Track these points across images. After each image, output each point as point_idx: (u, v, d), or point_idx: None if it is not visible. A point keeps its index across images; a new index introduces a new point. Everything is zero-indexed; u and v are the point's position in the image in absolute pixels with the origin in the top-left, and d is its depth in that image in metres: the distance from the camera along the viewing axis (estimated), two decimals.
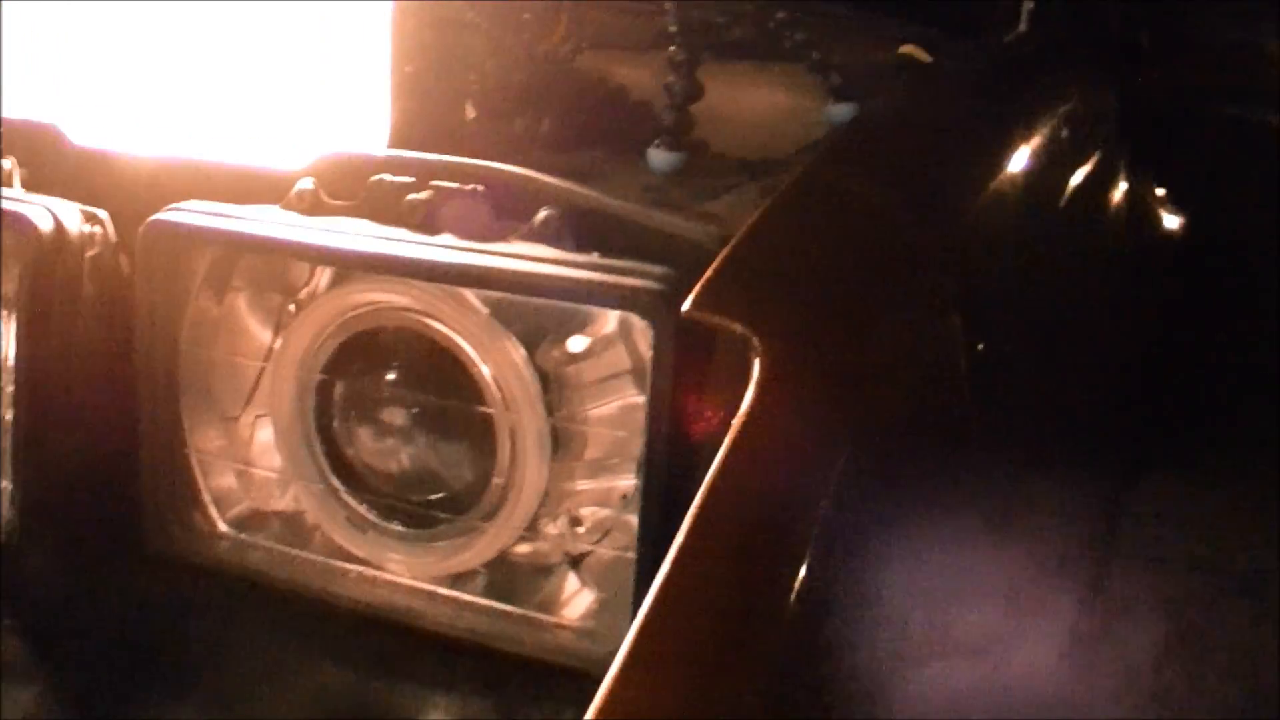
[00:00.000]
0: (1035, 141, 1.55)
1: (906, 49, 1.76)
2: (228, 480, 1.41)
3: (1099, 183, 1.67)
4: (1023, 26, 1.87)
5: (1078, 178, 1.61)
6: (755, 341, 1.06)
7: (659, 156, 1.52)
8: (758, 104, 1.72)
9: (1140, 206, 1.75)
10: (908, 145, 1.44)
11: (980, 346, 1.21)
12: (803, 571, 0.98)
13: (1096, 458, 1.55)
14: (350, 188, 1.32)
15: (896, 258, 1.24)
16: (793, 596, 0.98)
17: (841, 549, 1.02)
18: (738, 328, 1.08)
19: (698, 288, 1.09)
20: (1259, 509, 1.53)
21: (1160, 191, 1.82)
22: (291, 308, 1.37)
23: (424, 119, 1.53)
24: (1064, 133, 1.65)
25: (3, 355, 1.38)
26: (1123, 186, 1.71)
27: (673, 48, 1.54)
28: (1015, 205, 1.43)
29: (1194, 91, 1.94)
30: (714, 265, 1.11)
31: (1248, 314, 1.73)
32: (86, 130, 1.42)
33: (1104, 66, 1.94)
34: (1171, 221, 1.82)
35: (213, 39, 1.42)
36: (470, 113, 1.64)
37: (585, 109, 1.70)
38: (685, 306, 1.09)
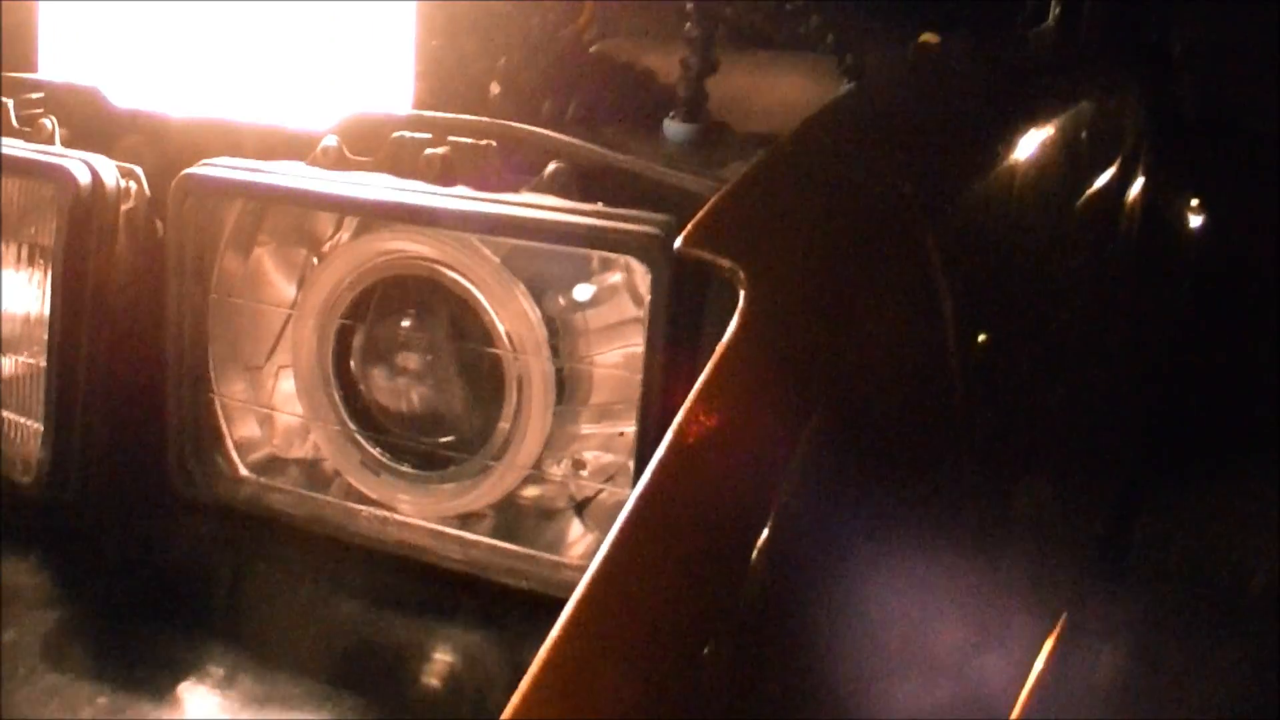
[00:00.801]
0: (1046, 138, 1.56)
1: (925, 37, 1.79)
2: (250, 427, 1.48)
3: (1115, 189, 1.68)
4: (1050, 22, 1.90)
5: (1093, 181, 1.63)
6: (742, 276, 1.11)
7: (674, 128, 1.58)
8: (774, 88, 1.77)
9: (1157, 217, 1.76)
10: (910, 116, 1.47)
11: (978, 337, 1.25)
12: (766, 530, 1.00)
13: (1094, 468, 1.57)
14: (372, 146, 1.38)
15: (889, 214, 1.27)
16: (754, 555, 0.99)
17: (809, 509, 1.04)
18: (726, 263, 1.12)
19: (690, 225, 1.14)
20: (1263, 525, 1.55)
21: (1179, 203, 1.84)
22: (315, 261, 1.43)
23: (448, 93, 1.60)
24: (1082, 134, 1.67)
25: (35, 305, 1.45)
26: (1140, 195, 1.72)
27: (688, 24, 1.60)
28: (1019, 197, 1.45)
29: (1221, 105, 1.96)
30: (707, 205, 1.16)
31: (1260, 330, 1.75)
32: (126, 92, 1.49)
33: (1132, 71, 1.95)
34: (1189, 233, 1.84)
35: (245, 5, 1.49)
36: (495, 90, 1.70)
37: (608, 92, 1.76)
38: (677, 243, 1.13)
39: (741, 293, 1.10)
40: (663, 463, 1.02)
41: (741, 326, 1.09)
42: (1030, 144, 1.50)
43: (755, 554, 0.98)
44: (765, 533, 0.99)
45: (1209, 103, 1.96)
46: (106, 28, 1.53)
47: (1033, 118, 1.55)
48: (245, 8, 1.49)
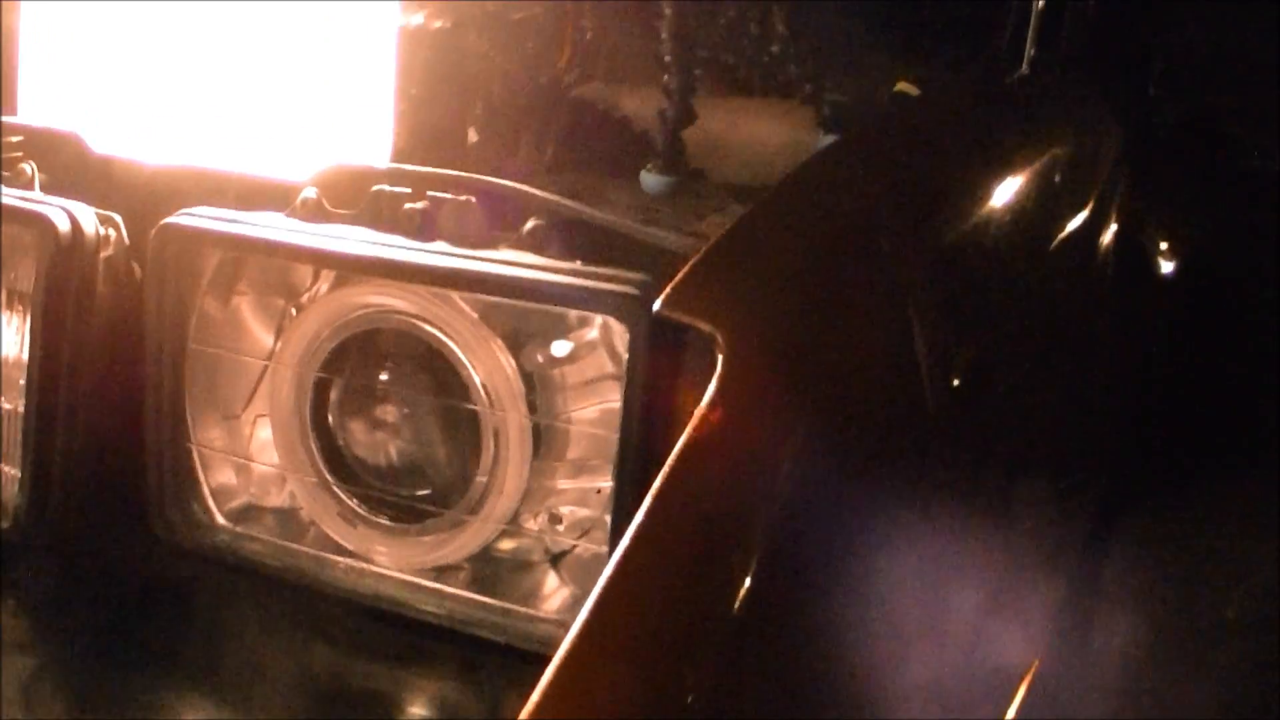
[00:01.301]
0: (1021, 185, 1.56)
1: (902, 86, 1.80)
2: (227, 475, 1.48)
3: (1088, 231, 1.69)
4: (1025, 69, 1.91)
5: (1067, 223, 1.63)
6: (719, 338, 1.12)
7: (651, 179, 1.59)
8: (752, 136, 1.78)
9: (1129, 257, 1.76)
10: (886, 172, 1.48)
11: (960, 369, 1.26)
12: (753, 567, 1.02)
13: (1074, 495, 1.58)
14: (352, 198, 1.39)
15: (870, 266, 1.28)
16: (743, 592, 1.01)
17: (793, 545, 1.06)
18: (704, 326, 1.14)
19: (669, 288, 1.15)
20: (1239, 552, 1.55)
21: (1156, 237, 1.84)
22: (293, 311, 1.44)
23: (426, 141, 1.61)
24: (1055, 178, 1.67)
25: (13, 350, 1.45)
26: (1113, 237, 1.72)
27: (666, 75, 1.61)
28: (997, 248, 1.46)
29: (1200, 133, 1.95)
30: (686, 268, 1.17)
31: (1244, 358, 1.76)
32: (106, 138, 1.50)
33: (1109, 104, 1.94)
34: (1166, 268, 1.84)
35: (226, 55, 1.49)
36: (473, 137, 1.71)
37: (586, 137, 1.77)
38: (656, 306, 1.14)
39: (719, 356, 1.11)
40: (644, 522, 1.03)
41: (719, 391, 1.10)
42: (1006, 192, 1.50)
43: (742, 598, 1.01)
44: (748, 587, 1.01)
45: (1190, 121, 1.95)
46: (87, 72, 1.54)
47: (1008, 165, 1.56)
48: (227, 56, 1.50)
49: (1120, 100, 1.96)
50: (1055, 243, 1.60)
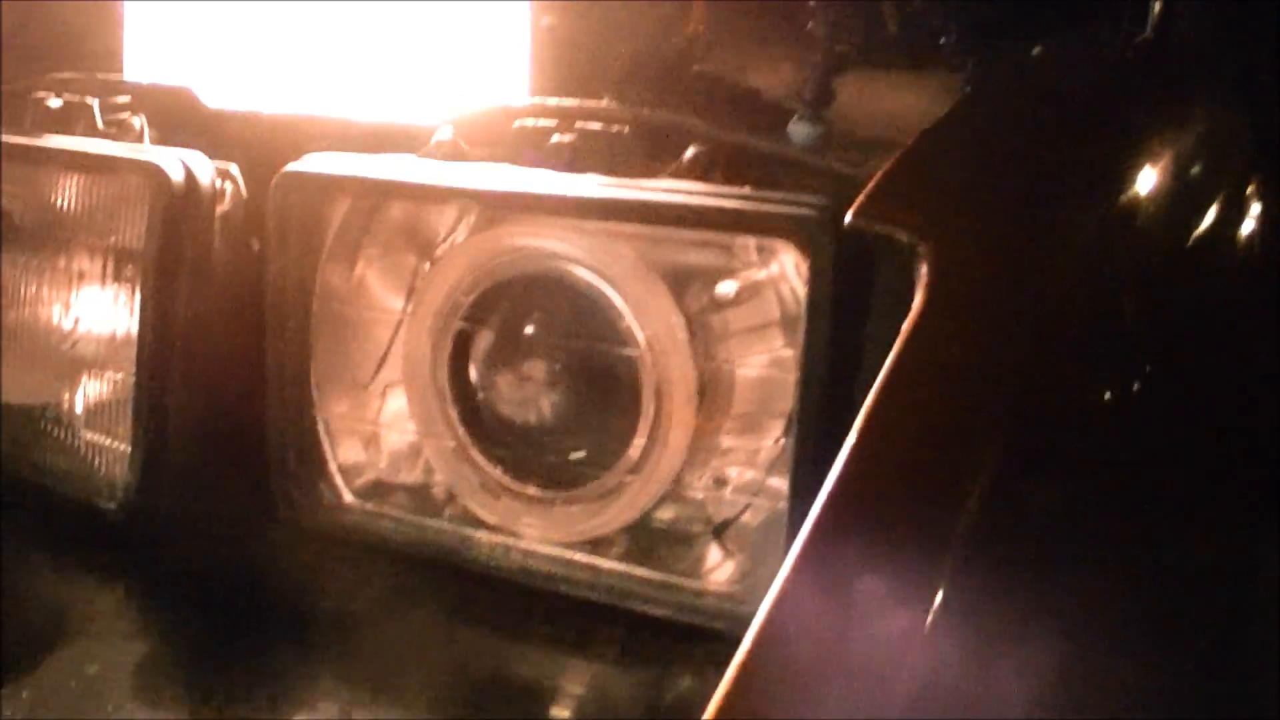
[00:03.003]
0: (1161, 166, 1.48)
1: (1038, 50, 1.71)
2: (355, 450, 1.37)
3: (1230, 217, 1.60)
4: (1149, 32, 1.82)
5: (1204, 219, 1.54)
6: (922, 247, 1.01)
7: (800, 129, 1.48)
8: (891, 102, 1.68)
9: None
10: (1055, 106, 1.38)
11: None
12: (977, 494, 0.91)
13: (1237, 509, 1.48)
14: (490, 138, 1.28)
15: (1061, 187, 1.18)
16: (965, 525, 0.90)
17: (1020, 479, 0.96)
18: (903, 235, 1.03)
19: (861, 196, 1.04)
20: None
21: None
22: (427, 267, 1.32)
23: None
24: (1194, 165, 1.58)
25: (120, 314, 1.35)
26: (1255, 226, 1.63)
27: (812, 22, 1.50)
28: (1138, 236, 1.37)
29: None
30: (877, 177, 1.06)
31: None
32: (220, 93, 1.39)
33: (1240, 87, 1.88)
34: None
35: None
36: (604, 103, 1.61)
37: (715, 107, 1.66)
38: (848, 217, 1.03)
39: (923, 266, 1.00)
40: (851, 459, 0.92)
41: (928, 301, 0.99)
42: (1145, 185, 1.43)
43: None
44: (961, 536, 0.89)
45: None
46: (196, 27, 1.44)
47: (1149, 154, 1.47)
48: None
49: (1245, 77, 1.88)
50: (1202, 225, 1.50)
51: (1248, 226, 1.54)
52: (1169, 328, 1.26)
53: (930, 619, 0.89)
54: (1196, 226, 1.44)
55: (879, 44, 1.68)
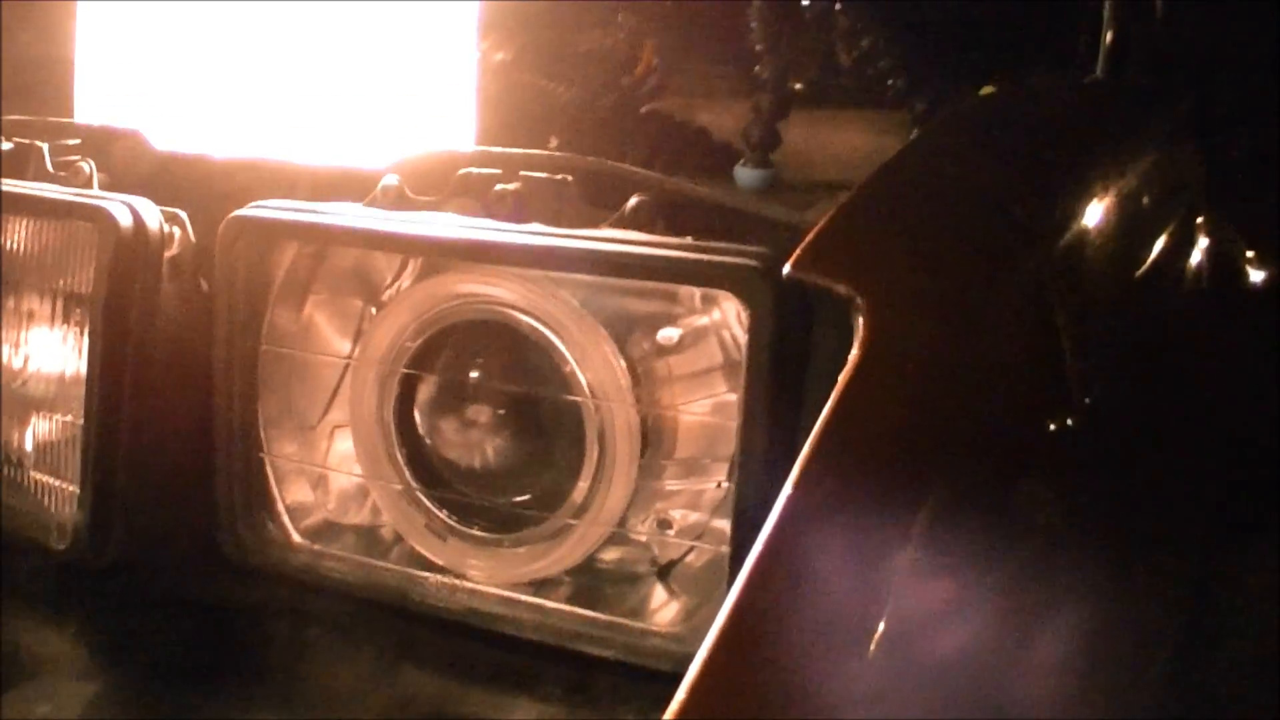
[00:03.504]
0: (1110, 201, 1.51)
1: (987, 90, 1.73)
2: (303, 491, 1.38)
3: (1177, 249, 1.62)
4: (1099, 71, 1.85)
5: (1157, 246, 1.56)
6: (859, 300, 1.03)
7: (746, 173, 1.50)
8: (840, 143, 1.70)
9: (1223, 274, 1.70)
10: (1001, 147, 1.41)
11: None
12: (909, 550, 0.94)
13: (1190, 522, 1.50)
14: (436, 185, 1.29)
15: (1005, 240, 1.20)
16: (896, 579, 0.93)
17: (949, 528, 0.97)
18: (842, 288, 1.04)
19: (800, 248, 1.06)
20: None
21: (1243, 260, 1.77)
22: (373, 311, 1.34)
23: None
24: (1144, 199, 1.61)
25: (69, 358, 1.35)
26: (1202, 255, 1.66)
27: (758, 66, 1.52)
28: (1102, 238, 1.39)
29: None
30: (816, 229, 1.08)
31: None
32: (168, 135, 1.40)
33: (1185, 119, 1.90)
34: (1257, 291, 1.77)
35: (291, 46, 1.41)
36: (553, 143, 1.62)
37: (664, 146, 1.68)
38: (786, 268, 1.05)
39: (860, 320, 1.02)
40: (787, 507, 0.94)
41: (864, 355, 1.01)
42: (1101, 190, 1.44)
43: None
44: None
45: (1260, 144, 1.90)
46: (146, 70, 1.45)
47: (1103, 184, 1.49)
48: (293, 47, 1.41)
49: (1190, 110, 1.91)
50: (1150, 257, 1.53)
51: (1195, 262, 1.57)
52: (1113, 366, 1.29)
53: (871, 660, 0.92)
54: (1141, 264, 1.47)
55: (827, 86, 1.70)
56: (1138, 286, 1.45)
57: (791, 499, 0.95)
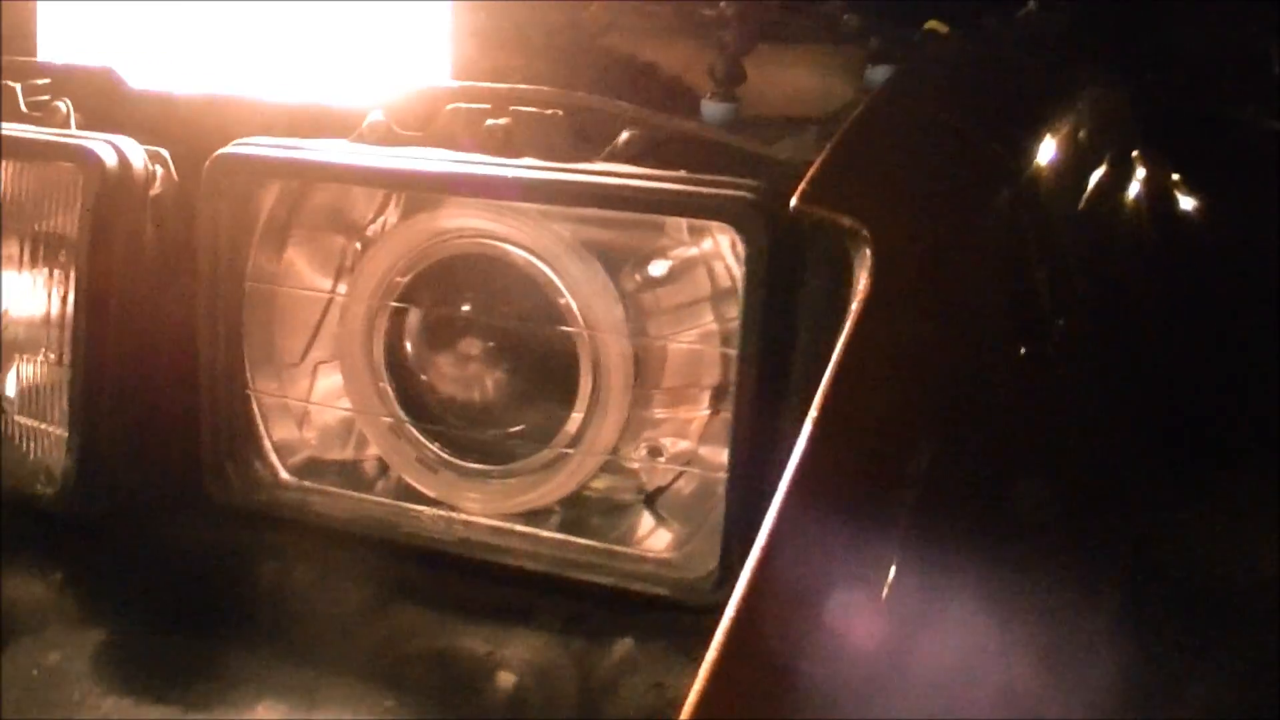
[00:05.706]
0: (1059, 138, 1.54)
1: (932, 24, 1.76)
2: (288, 429, 1.38)
3: (1115, 184, 1.66)
4: (1031, 4, 1.89)
5: (1094, 179, 1.60)
6: (865, 232, 1.06)
7: (712, 108, 1.51)
8: (794, 79, 1.72)
9: (1161, 211, 1.74)
10: (969, 86, 1.45)
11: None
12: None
13: (1129, 470, 1.55)
14: (422, 121, 1.30)
15: (981, 169, 1.24)
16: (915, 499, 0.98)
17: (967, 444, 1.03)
18: (846, 221, 1.07)
19: (803, 185, 1.09)
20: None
21: (1179, 198, 1.82)
22: (357, 246, 1.34)
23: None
24: (1080, 134, 1.64)
25: (51, 300, 1.35)
26: (1139, 190, 1.70)
27: (724, 2, 1.53)
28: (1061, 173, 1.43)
29: (1201, 95, 1.94)
30: (816, 165, 1.11)
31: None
32: (144, 73, 1.39)
33: (1114, 61, 1.94)
34: (1190, 226, 1.82)
35: None
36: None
37: (616, 85, 1.69)
38: (793, 202, 1.08)
39: (865, 250, 1.05)
40: (811, 441, 0.96)
41: (874, 285, 1.04)
42: (1049, 127, 1.48)
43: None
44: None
45: (1196, 92, 1.94)
46: (114, 5, 1.43)
47: (1045, 103, 1.53)
48: None
49: (1121, 48, 1.96)
50: (1090, 189, 1.57)
51: (1134, 193, 1.62)
52: (1075, 290, 1.34)
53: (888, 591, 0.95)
54: (1082, 195, 1.52)
55: (782, 23, 1.72)
56: (1082, 217, 1.50)
57: (813, 437, 0.97)
